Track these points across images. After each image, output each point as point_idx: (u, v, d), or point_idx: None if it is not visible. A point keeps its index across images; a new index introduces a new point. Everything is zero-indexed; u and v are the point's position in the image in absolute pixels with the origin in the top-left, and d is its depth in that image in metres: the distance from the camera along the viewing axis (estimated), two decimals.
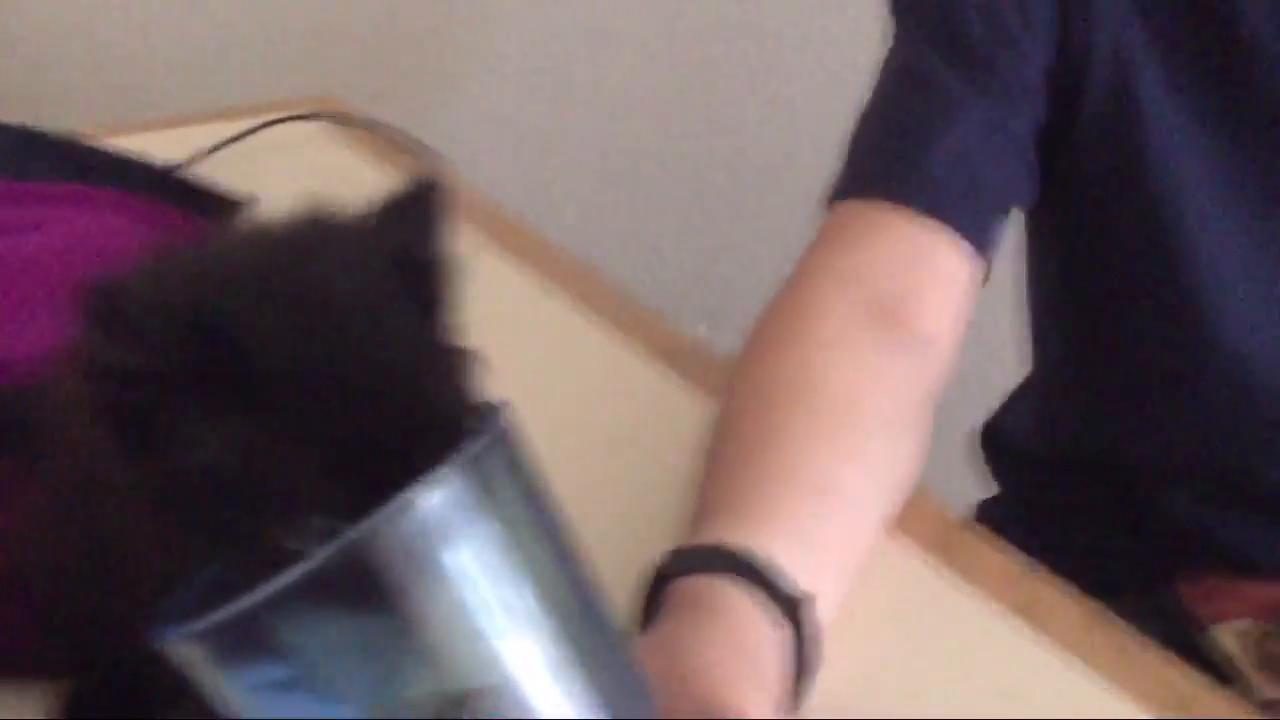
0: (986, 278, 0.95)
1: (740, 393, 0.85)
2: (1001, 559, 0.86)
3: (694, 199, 1.90)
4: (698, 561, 0.69)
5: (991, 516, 1.10)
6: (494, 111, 1.84)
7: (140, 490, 0.51)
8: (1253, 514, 1.03)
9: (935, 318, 0.90)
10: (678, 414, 0.96)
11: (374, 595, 0.46)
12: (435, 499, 0.46)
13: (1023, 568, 0.85)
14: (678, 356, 1.05)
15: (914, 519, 0.86)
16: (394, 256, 0.53)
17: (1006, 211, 0.97)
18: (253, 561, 0.48)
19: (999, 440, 1.18)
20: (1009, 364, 1.21)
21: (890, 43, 1.00)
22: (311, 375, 0.49)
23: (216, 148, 1.29)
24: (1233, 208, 0.98)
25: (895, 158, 0.94)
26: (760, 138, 1.88)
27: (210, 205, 0.94)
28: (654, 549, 0.72)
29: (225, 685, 0.48)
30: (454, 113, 1.83)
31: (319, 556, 0.45)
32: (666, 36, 1.84)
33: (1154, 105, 0.97)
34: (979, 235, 0.93)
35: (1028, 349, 1.17)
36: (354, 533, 0.46)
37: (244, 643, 0.46)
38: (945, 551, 0.86)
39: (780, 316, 0.89)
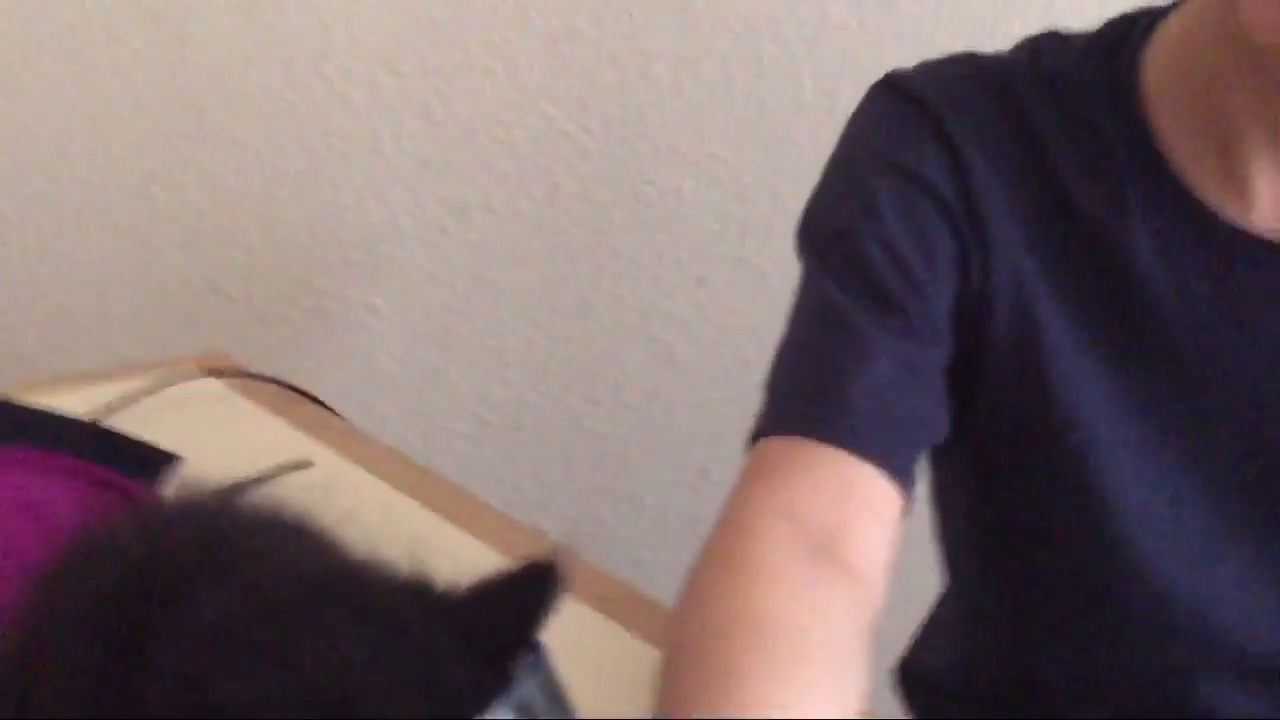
0: (908, 510, 0.97)
1: (689, 629, 0.85)
2: None
3: (581, 448, 1.92)
4: None
5: None
6: (376, 363, 1.86)
7: None
8: None
9: (868, 551, 0.91)
10: (611, 655, 0.96)
11: None
12: None
13: None
14: (605, 597, 1.04)
15: None
16: (480, 634, 0.55)
17: (925, 446, 1.00)
18: None
19: (916, 676, 1.19)
20: (918, 594, 1.22)
21: (801, 280, 1.03)
22: None
23: (119, 405, 1.28)
24: (1133, 439, 1.00)
25: (816, 396, 0.96)
26: (641, 383, 1.91)
27: (140, 462, 0.93)
28: None
29: None
30: (339, 365, 1.84)
31: None
32: (543, 287, 1.88)
33: (1054, 337, 0.99)
34: (901, 468, 0.95)
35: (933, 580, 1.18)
36: None
37: None
38: None
39: (721, 553, 0.89)
